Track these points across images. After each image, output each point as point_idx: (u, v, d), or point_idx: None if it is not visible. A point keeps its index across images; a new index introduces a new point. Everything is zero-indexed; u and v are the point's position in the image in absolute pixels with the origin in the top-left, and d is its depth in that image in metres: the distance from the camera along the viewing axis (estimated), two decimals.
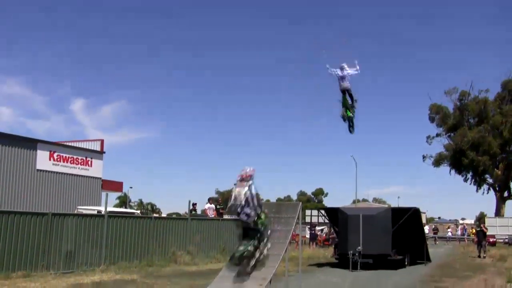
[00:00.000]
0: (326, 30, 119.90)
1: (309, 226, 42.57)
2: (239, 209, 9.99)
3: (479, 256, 29.94)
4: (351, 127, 15.59)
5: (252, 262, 10.48)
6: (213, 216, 26.28)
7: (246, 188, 10.05)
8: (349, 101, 15.22)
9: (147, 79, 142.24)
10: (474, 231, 49.72)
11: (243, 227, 10.54)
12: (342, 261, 22.53)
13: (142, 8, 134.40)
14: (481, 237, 31.17)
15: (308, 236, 40.20)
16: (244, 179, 10.26)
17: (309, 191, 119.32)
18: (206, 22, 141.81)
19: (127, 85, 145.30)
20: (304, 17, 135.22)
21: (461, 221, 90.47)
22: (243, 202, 9.93)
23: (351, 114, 15.36)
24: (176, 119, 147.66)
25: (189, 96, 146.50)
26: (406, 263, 23.26)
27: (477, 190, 63.16)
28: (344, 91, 15.04)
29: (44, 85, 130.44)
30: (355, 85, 15.24)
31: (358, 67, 14.66)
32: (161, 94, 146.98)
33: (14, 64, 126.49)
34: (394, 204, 78.52)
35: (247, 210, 10.04)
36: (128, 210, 46.75)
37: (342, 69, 14.66)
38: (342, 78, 14.74)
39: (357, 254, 21.13)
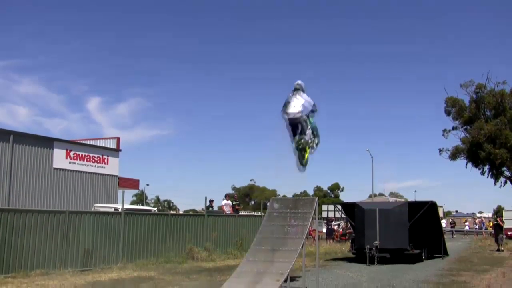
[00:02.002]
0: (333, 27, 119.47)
1: (325, 221, 42.56)
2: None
3: (497, 250, 29.78)
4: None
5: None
6: (229, 212, 26.41)
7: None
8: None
9: (162, 76, 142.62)
10: (491, 224, 49.40)
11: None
12: (359, 256, 22.48)
13: (157, 3, 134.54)
14: (498, 231, 31.04)
15: (325, 231, 40.19)
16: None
17: (325, 186, 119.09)
18: (222, 18, 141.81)
19: (142, 83, 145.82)
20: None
21: (478, 215, 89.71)
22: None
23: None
24: (192, 115, 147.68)
25: (205, 92, 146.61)
26: (423, 257, 23.19)
27: (494, 183, 62.62)
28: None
29: (60, 84, 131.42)
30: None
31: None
32: (177, 91, 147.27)
33: (29, 63, 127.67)
34: (411, 198, 78.08)
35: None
36: (145, 207, 47.03)
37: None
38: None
39: (374, 248, 21.07)
